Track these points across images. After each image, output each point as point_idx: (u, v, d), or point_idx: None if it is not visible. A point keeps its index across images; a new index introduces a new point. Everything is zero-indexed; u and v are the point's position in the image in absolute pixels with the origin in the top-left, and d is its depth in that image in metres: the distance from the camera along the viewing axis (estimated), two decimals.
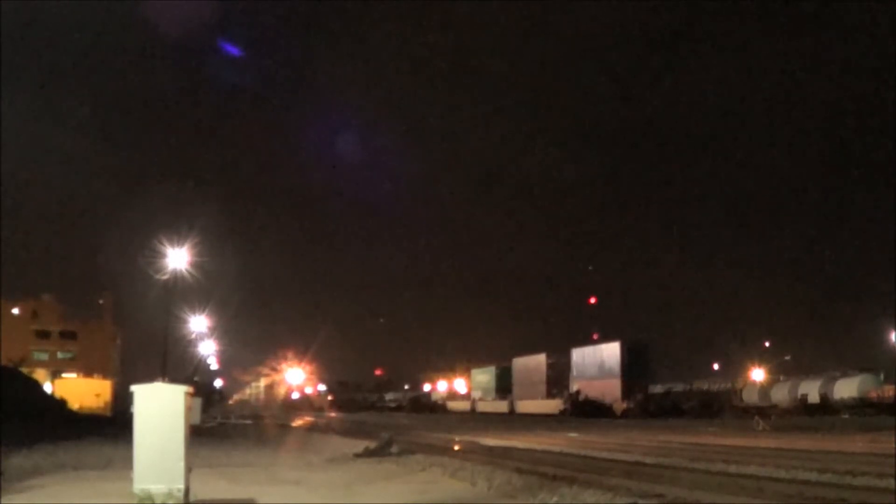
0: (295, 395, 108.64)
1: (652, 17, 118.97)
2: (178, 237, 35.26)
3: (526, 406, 63.41)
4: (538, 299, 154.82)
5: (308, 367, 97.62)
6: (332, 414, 76.07)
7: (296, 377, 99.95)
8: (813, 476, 12.14)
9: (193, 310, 54.37)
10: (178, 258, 35.37)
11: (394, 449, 17.80)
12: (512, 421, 50.98)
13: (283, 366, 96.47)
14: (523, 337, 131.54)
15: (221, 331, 66.60)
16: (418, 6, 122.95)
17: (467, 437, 26.43)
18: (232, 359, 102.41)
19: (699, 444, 20.97)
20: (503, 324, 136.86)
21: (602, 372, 58.68)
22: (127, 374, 79.87)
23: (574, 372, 62.82)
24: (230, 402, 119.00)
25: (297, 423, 47.23)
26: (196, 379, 63.86)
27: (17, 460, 15.40)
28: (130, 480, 8.79)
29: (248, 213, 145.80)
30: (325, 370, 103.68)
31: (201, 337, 63.20)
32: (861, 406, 41.66)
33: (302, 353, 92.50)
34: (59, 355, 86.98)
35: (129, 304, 78.24)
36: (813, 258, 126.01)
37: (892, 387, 41.75)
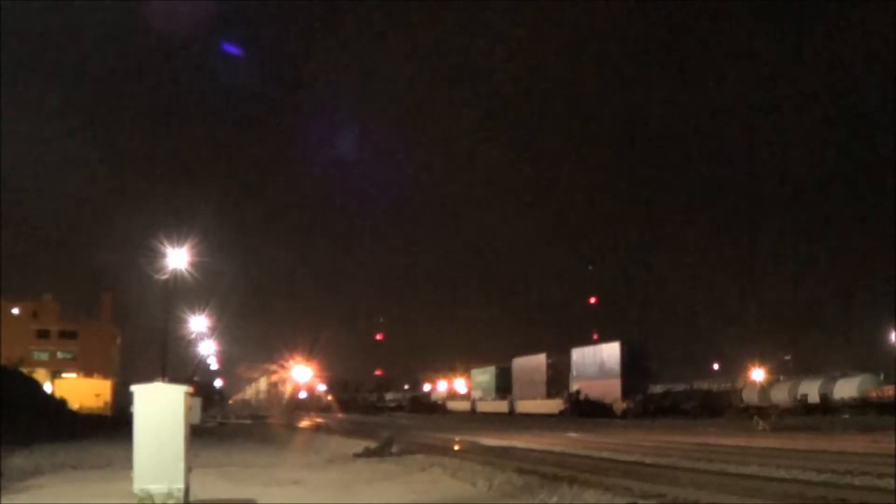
0: (302, 395, 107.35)
1: (653, 18, 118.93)
2: (178, 237, 35.29)
3: (526, 406, 63.37)
4: (538, 299, 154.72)
5: (314, 366, 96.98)
6: (340, 414, 75.77)
7: (302, 375, 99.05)
8: (813, 476, 12.15)
9: (193, 310, 54.49)
10: (178, 258, 35.37)
11: (394, 449, 17.79)
12: (512, 421, 50.97)
13: (290, 363, 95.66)
14: (523, 337, 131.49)
15: (221, 331, 66.69)
16: (418, 6, 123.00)
17: (467, 437, 26.42)
18: (233, 358, 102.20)
19: (699, 444, 20.97)
20: (503, 324, 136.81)
21: (602, 372, 58.65)
22: (127, 374, 79.95)
23: (574, 372, 62.77)
24: (230, 401, 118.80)
25: (304, 423, 46.95)
26: (196, 379, 63.92)
27: (18, 460, 15.39)
28: (130, 480, 8.79)
29: (248, 212, 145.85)
30: (325, 370, 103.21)
31: (201, 337, 63.30)
32: (861, 406, 41.61)
33: (307, 352, 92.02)
34: (59, 355, 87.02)
35: (129, 304, 78.47)
36: (813, 258, 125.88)
37: (892, 387, 41.68)
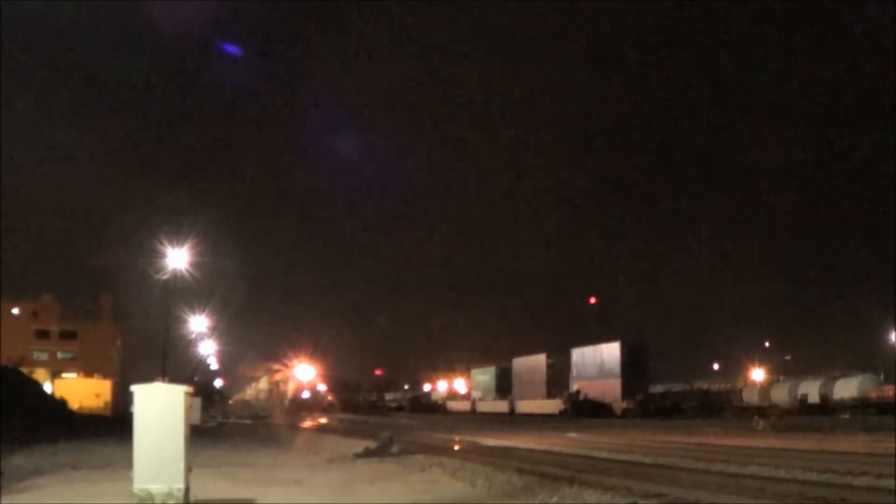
0: (305, 395, 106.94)
1: (654, 18, 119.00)
2: (178, 237, 35.27)
3: (526, 406, 63.36)
4: (538, 299, 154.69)
5: (317, 365, 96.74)
6: (341, 415, 75.70)
7: (306, 374, 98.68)
8: (813, 476, 12.15)
9: (193, 310, 54.47)
10: (178, 258, 35.33)
11: (394, 449, 17.80)
12: (512, 421, 50.96)
13: (293, 362, 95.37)
14: (523, 337, 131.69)
15: (221, 331, 66.68)
16: (419, 5, 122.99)
17: (467, 437, 26.41)
18: (233, 358, 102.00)
19: (699, 444, 20.97)
20: (503, 324, 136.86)
21: (602, 372, 58.66)
22: (127, 374, 79.83)
23: (574, 372, 62.79)
24: (231, 401, 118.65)
25: (307, 423, 46.88)
26: (196, 379, 63.94)
27: (18, 460, 15.41)
28: (130, 480, 8.80)
29: (249, 212, 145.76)
30: (326, 369, 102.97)
31: (201, 337, 63.28)
32: (861, 406, 41.66)
33: (310, 351, 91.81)
34: (59, 355, 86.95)
35: (129, 304, 78.34)
36: (813, 258, 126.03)
37: (892, 387, 41.76)
